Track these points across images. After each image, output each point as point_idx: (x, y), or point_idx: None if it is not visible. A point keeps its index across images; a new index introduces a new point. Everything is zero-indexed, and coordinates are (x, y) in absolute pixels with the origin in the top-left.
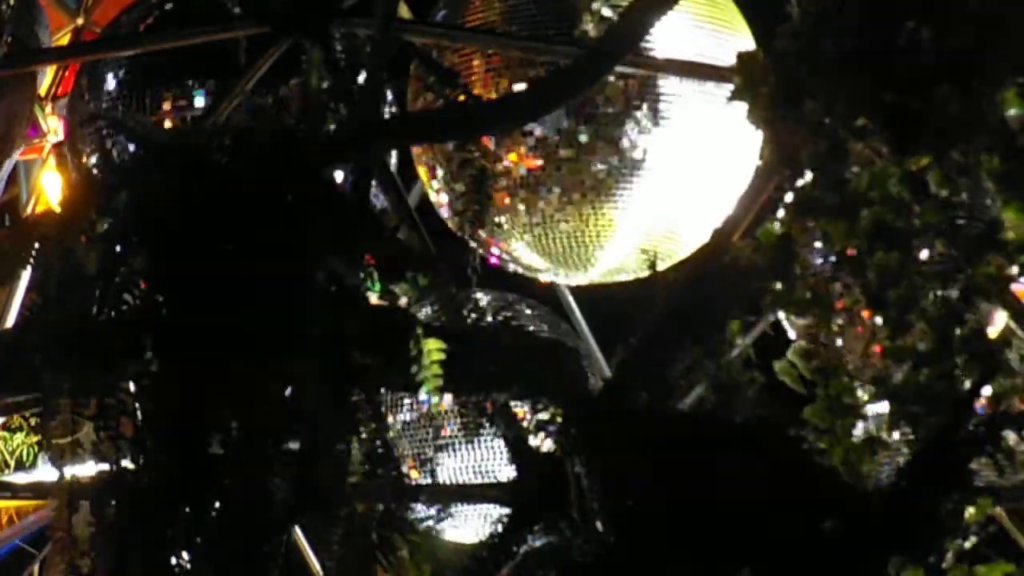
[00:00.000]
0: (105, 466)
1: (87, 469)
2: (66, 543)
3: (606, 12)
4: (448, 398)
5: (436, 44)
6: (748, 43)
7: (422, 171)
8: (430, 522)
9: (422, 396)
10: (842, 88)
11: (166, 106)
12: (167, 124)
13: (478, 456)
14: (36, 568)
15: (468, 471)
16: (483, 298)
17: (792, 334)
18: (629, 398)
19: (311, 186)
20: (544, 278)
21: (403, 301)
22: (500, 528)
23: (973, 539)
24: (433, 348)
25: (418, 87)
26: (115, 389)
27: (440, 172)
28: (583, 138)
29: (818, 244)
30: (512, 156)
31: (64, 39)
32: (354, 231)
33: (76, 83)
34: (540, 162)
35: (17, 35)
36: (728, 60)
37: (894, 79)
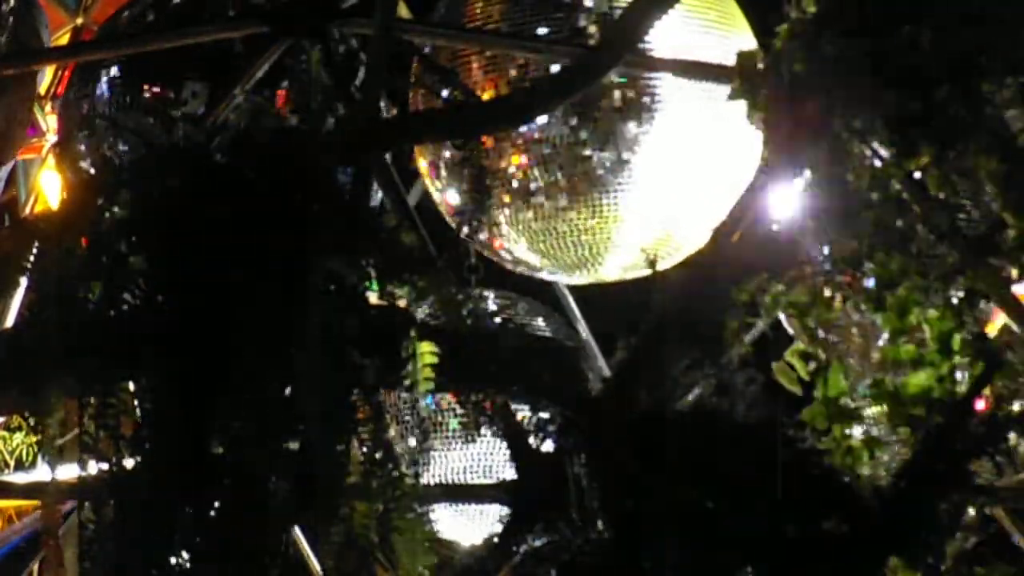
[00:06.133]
0: (104, 466)
1: (80, 470)
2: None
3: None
4: (448, 397)
5: (435, 44)
6: (749, 42)
7: (423, 170)
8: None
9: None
10: (842, 88)
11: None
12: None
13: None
14: (36, 568)
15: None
16: (483, 298)
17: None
18: (629, 398)
19: (311, 186)
20: (545, 278)
21: (403, 301)
22: (500, 528)
23: (973, 539)
24: (426, 351)
25: (417, 87)
26: (115, 389)
27: (442, 171)
28: (582, 137)
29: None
30: (513, 156)
31: (64, 39)
32: (354, 231)
33: (69, 82)
34: (540, 161)
35: (17, 35)
36: (728, 59)
37: (894, 79)
